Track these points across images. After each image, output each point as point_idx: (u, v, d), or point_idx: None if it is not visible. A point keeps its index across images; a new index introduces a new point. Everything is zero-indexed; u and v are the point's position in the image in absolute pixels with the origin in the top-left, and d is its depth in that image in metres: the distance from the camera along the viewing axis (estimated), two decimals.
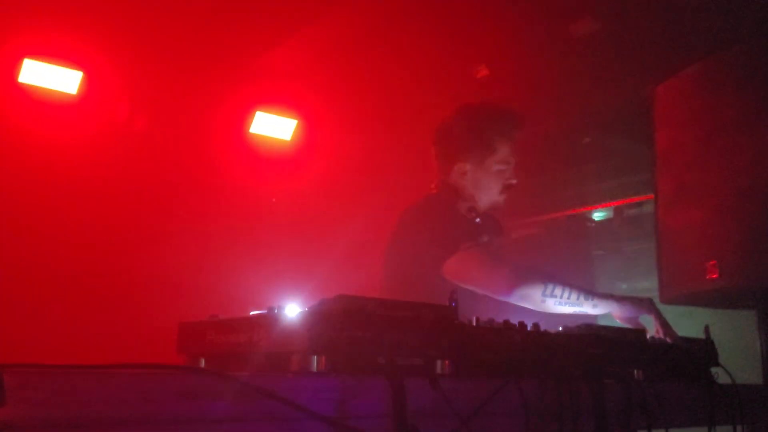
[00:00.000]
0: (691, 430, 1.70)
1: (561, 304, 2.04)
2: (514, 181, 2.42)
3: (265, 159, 4.82)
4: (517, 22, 3.67)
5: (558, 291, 2.03)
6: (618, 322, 2.04)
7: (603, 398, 1.37)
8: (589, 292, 2.08)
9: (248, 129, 4.73)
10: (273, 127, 4.83)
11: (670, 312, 2.18)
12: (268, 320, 1.19)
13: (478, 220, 2.40)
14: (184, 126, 4.41)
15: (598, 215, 4.81)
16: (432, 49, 3.98)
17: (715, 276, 2.06)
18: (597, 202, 4.73)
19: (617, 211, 4.64)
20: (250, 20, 3.93)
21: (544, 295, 2.02)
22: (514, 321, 1.40)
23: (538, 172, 4.35)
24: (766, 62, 2.07)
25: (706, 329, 1.83)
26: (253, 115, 4.71)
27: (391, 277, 2.38)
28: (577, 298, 2.04)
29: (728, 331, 2.79)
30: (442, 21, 3.79)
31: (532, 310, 2.05)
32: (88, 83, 4.11)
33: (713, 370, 1.79)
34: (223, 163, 4.62)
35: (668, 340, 1.83)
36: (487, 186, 2.40)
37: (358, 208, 4.71)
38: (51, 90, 4.04)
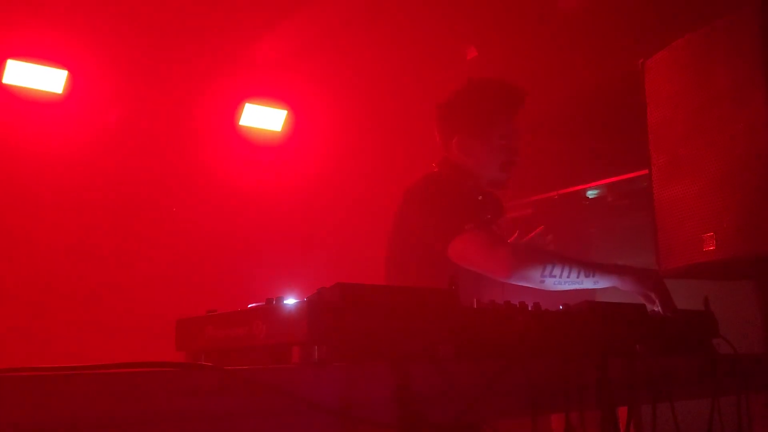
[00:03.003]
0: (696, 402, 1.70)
1: (561, 283, 2.03)
2: (515, 158, 2.39)
3: (257, 151, 4.79)
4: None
5: (557, 270, 2.02)
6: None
7: (607, 375, 1.37)
8: (591, 266, 2.07)
9: (238, 121, 4.70)
10: (263, 118, 4.80)
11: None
12: (267, 312, 1.18)
13: (480, 197, 2.37)
14: (174, 121, 4.38)
15: (591, 193, 4.80)
16: (420, 33, 3.95)
17: (712, 248, 2.06)
18: (590, 179, 4.72)
19: (611, 187, 4.63)
20: (235, 10, 3.89)
21: (543, 275, 2.01)
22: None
23: (530, 152, 4.32)
24: (755, 32, 2.05)
25: (706, 301, 1.83)
26: (243, 107, 4.68)
27: (396, 260, 2.35)
28: (578, 276, 2.03)
29: (728, 302, 2.80)
30: (429, 3, 3.76)
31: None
32: (74, 82, 4.07)
33: (714, 341, 1.79)
34: (215, 157, 4.59)
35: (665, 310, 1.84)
36: (487, 162, 2.36)
37: (351, 197, 4.70)
38: (36, 90, 4.00)
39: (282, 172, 4.80)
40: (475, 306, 1.34)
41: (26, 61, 3.91)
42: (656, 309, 1.90)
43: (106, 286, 3.92)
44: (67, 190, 4.01)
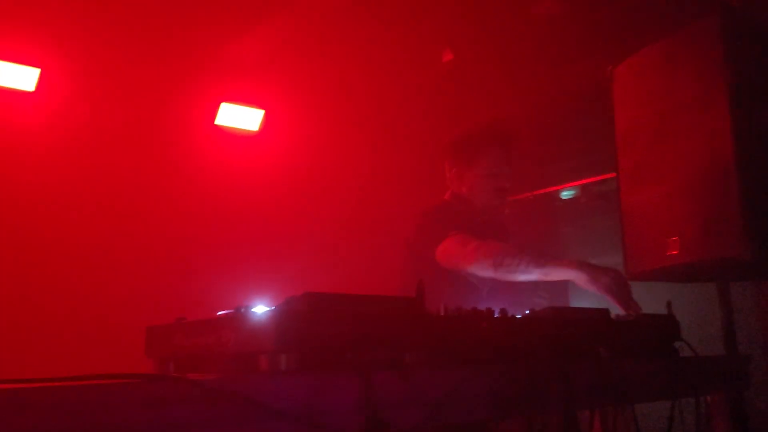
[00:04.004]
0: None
1: (512, 273, 2.23)
2: (505, 185, 2.72)
3: (233, 152, 4.75)
4: (480, 3, 3.67)
5: (508, 260, 2.22)
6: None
7: (570, 379, 1.40)
8: (545, 259, 2.23)
9: (214, 121, 4.67)
10: (239, 118, 4.78)
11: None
12: (236, 321, 1.20)
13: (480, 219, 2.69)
14: (147, 123, 4.34)
15: (564, 194, 4.87)
16: (397, 35, 3.97)
17: (676, 252, 2.11)
18: (563, 181, 4.79)
19: (583, 189, 4.70)
20: (211, 11, 3.87)
21: (494, 265, 2.24)
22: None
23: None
24: (718, 41, 2.11)
25: (669, 305, 1.88)
26: (219, 107, 4.65)
27: (403, 272, 2.64)
28: (527, 266, 2.20)
29: (692, 305, 2.87)
30: (405, 6, 3.78)
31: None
32: (47, 80, 4.02)
33: (676, 344, 1.84)
34: (188, 160, 4.53)
35: (627, 314, 1.89)
36: (479, 190, 2.72)
37: (328, 199, 4.69)
38: (8, 88, 3.95)
39: (256, 177, 4.75)
40: (442, 313, 1.36)
41: None
42: (620, 311, 1.95)
43: (73, 290, 3.82)
44: (38, 189, 3.95)
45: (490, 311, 1.44)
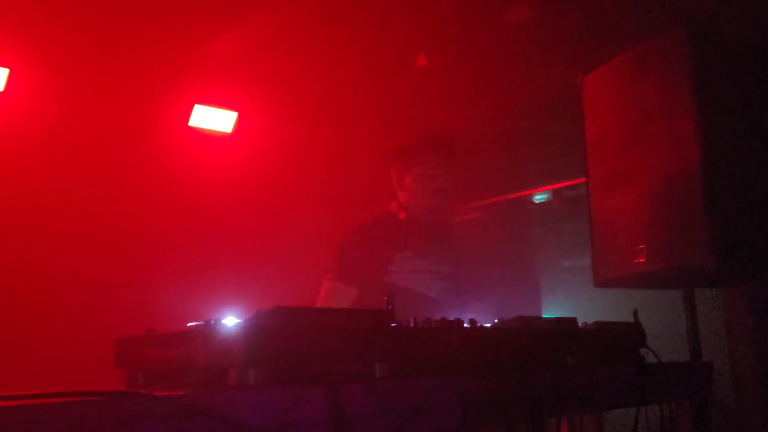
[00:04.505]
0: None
1: None
2: (444, 186, 2.83)
3: (206, 157, 4.69)
4: (453, 9, 3.70)
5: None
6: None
7: (535, 387, 1.43)
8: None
9: (187, 123, 4.63)
10: (213, 120, 4.75)
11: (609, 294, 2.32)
12: (205, 334, 1.20)
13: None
14: (120, 125, 4.28)
15: (538, 198, 4.94)
16: (370, 39, 3.97)
17: (643, 260, 2.16)
18: (536, 185, 4.85)
19: (556, 193, 4.77)
20: (184, 13, 3.84)
21: None
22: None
23: (479, 158, 4.42)
24: (686, 53, 2.15)
25: (635, 313, 1.92)
26: (192, 109, 4.62)
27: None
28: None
29: (662, 311, 2.93)
30: (379, 10, 3.79)
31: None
32: (16, 80, 3.96)
33: (642, 350, 1.88)
34: (162, 163, 4.46)
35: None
36: (417, 193, 2.85)
37: (299, 208, 4.65)
38: None
39: (231, 176, 4.70)
40: (412, 324, 1.38)
41: None
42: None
43: (41, 299, 3.72)
44: (3, 192, 3.87)
45: (460, 322, 1.46)
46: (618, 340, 1.80)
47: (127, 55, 4.09)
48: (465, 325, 1.48)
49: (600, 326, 1.79)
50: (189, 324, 1.32)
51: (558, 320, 1.66)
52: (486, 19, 3.60)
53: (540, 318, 1.61)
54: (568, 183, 4.59)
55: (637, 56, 2.35)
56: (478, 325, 1.50)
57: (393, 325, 1.31)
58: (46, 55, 3.97)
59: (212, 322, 1.22)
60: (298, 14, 3.87)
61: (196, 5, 3.75)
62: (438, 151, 2.87)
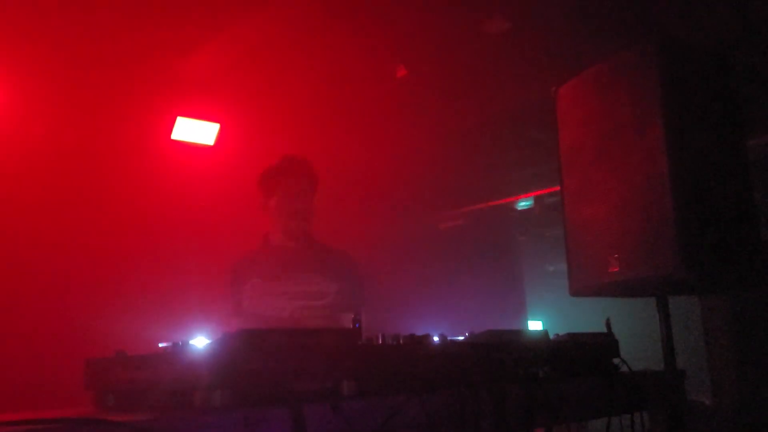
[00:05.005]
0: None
1: None
2: (301, 207, 2.97)
3: (189, 169, 4.66)
4: (433, 21, 3.73)
5: None
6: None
7: (504, 401, 1.44)
8: None
9: (169, 137, 4.62)
10: (195, 132, 4.75)
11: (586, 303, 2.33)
12: (171, 356, 1.21)
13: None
14: (103, 138, 4.25)
15: (520, 204, 4.97)
16: (351, 50, 4.00)
17: (616, 269, 2.18)
18: (518, 192, 4.88)
19: (537, 200, 4.80)
20: (166, 27, 3.84)
21: None
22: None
23: (461, 166, 4.45)
24: (656, 66, 2.19)
25: (608, 323, 1.94)
26: (175, 122, 4.62)
27: None
28: None
29: (643, 318, 2.95)
30: (359, 22, 3.81)
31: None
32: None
33: (615, 360, 1.90)
34: (145, 176, 4.43)
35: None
36: (277, 216, 3.00)
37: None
38: None
39: (212, 188, 4.66)
40: (380, 341, 1.39)
41: None
42: None
43: (10, 319, 3.64)
44: None
45: (429, 336, 1.48)
46: (590, 351, 1.82)
47: (110, 70, 4.08)
48: (435, 339, 1.49)
49: (572, 338, 1.81)
50: (160, 345, 1.33)
51: (529, 332, 1.68)
52: (465, 31, 3.63)
53: (510, 331, 1.63)
54: (549, 190, 4.62)
55: (609, 68, 2.38)
56: (449, 339, 1.51)
57: (360, 342, 1.32)
58: (28, 68, 3.96)
59: (180, 344, 1.23)
60: (278, 27, 3.89)
61: (176, 20, 3.76)
62: (295, 175, 3.02)
